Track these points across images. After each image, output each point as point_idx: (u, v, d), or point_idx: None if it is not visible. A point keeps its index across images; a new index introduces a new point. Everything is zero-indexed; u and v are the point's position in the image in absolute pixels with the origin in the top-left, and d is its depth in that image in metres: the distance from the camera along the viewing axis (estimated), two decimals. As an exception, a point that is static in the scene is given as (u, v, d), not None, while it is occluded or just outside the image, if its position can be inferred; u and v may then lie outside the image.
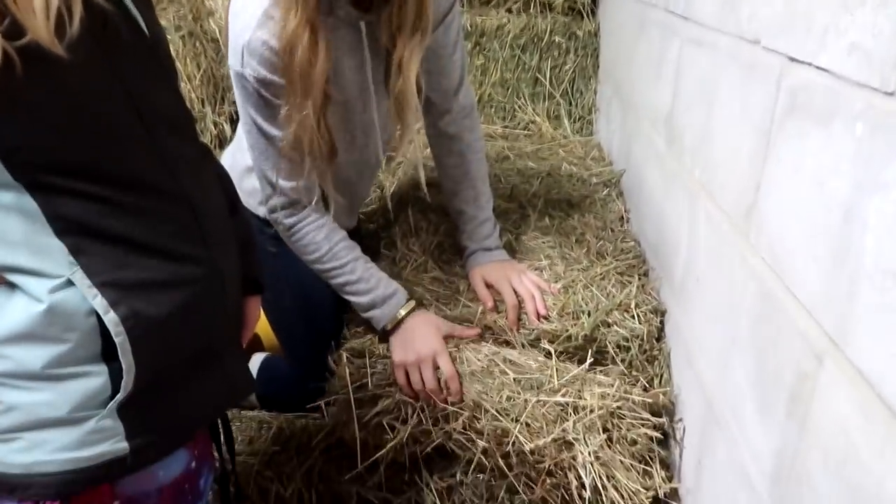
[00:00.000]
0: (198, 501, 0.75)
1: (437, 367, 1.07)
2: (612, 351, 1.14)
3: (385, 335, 1.15)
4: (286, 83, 0.99)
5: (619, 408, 1.03)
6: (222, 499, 0.93)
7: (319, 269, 1.16)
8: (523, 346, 1.16)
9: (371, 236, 1.56)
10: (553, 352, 1.12)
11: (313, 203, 1.14)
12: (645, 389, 1.13)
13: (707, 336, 0.98)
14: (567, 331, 1.14)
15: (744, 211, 0.84)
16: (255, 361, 1.53)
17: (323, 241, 1.14)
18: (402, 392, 1.08)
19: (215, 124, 2.01)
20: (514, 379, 1.05)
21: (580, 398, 1.03)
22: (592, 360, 1.11)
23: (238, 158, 1.28)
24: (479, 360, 1.09)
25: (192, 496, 0.74)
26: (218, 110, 2.02)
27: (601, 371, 1.13)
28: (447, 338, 1.12)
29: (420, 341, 1.09)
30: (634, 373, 1.15)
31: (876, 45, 0.56)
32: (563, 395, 1.03)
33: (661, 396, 1.09)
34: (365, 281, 1.14)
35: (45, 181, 0.58)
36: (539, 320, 1.15)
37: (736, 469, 0.83)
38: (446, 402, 1.05)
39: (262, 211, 1.27)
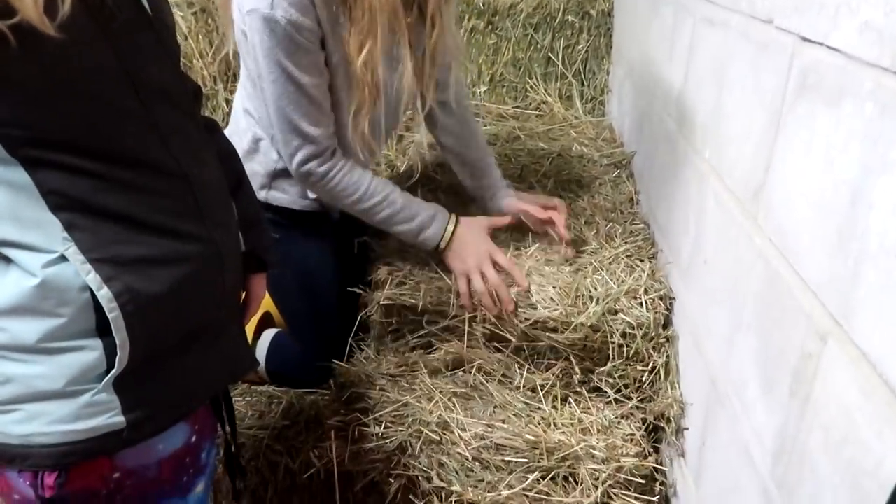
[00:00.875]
0: (199, 475, 0.75)
1: (495, 264, 1.19)
2: (616, 340, 1.14)
3: (438, 253, 1.23)
4: (366, 12, 1.02)
5: (610, 487, 1.06)
6: (229, 472, 0.94)
7: (362, 209, 1.20)
8: (524, 352, 1.17)
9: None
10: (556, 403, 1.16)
11: (337, 149, 1.17)
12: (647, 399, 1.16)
13: (713, 316, 0.98)
14: (571, 320, 1.14)
15: (752, 192, 0.84)
16: (266, 338, 1.55)
17: (359, 180, 1.18)
18: (461, 303, 1.20)
19: (227, 102, 2.00)
20: (504, 461, 1.09)
21: (572, 476, 1.06)
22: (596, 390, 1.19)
23: (233, 142, 1.27)
24: (471, 441, 1.11)
25: (193, 469, 0.74)
26: (230, 88, 2.01)
27: (599, 396, 1.18)
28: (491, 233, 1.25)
29: (473, 247, 1.20)
30: (640, 367, 1.16)
31: (887, 23, 0.56)
32: (553, 479, 1.07)
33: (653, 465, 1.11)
34: (408, 208, 1.20)
35: (38, 156, 0.58)
36: (564, 242, 1.26)
37: (739, 448, 0.83)
38: (501, 315, 1.17)
39: (262, 195, 1.27)
